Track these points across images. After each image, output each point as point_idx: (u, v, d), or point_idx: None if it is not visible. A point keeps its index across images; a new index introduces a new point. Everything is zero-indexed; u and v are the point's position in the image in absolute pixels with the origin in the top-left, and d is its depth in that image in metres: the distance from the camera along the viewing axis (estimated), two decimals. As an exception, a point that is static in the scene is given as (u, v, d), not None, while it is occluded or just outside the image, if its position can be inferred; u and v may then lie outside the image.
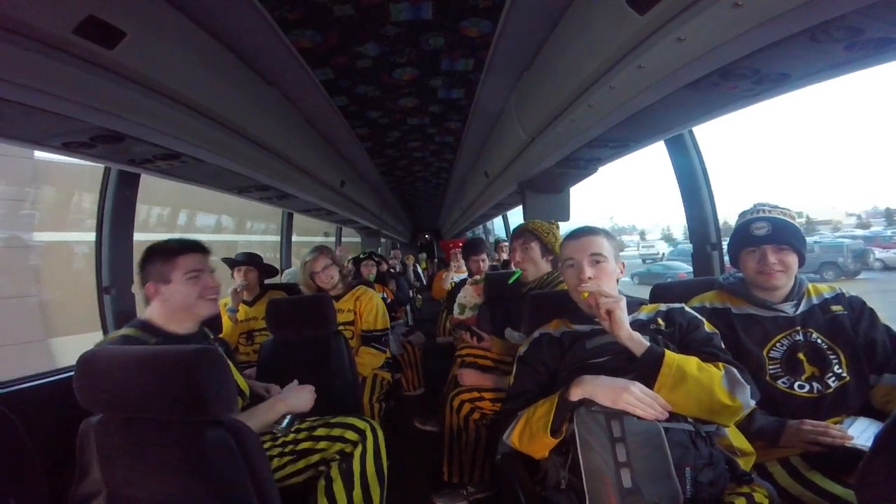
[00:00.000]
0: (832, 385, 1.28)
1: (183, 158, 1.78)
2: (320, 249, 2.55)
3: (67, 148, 1.50)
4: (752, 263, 1.40)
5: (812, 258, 11.30)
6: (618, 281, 1.33)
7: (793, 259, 1.37)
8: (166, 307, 1.39)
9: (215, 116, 1.61)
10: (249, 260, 2.71)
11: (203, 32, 1.47)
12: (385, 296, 3.79)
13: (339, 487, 1.45)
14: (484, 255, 3.36)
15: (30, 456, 1.11)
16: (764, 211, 1.42)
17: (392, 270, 5.62)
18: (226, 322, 2.51)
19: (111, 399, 0.98)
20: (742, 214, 1.47)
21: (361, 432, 1.53)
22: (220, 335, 2.22)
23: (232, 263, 2.70)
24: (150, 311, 1.42)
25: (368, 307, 2.51)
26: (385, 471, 1.58)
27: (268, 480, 1.00)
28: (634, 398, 1.04)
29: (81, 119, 1.26)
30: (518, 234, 2.20)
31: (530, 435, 1.17)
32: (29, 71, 1.00)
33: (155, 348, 1.00)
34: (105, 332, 2.14)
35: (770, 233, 1.36)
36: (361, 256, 4.31)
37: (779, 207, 1.42)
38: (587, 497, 0.97)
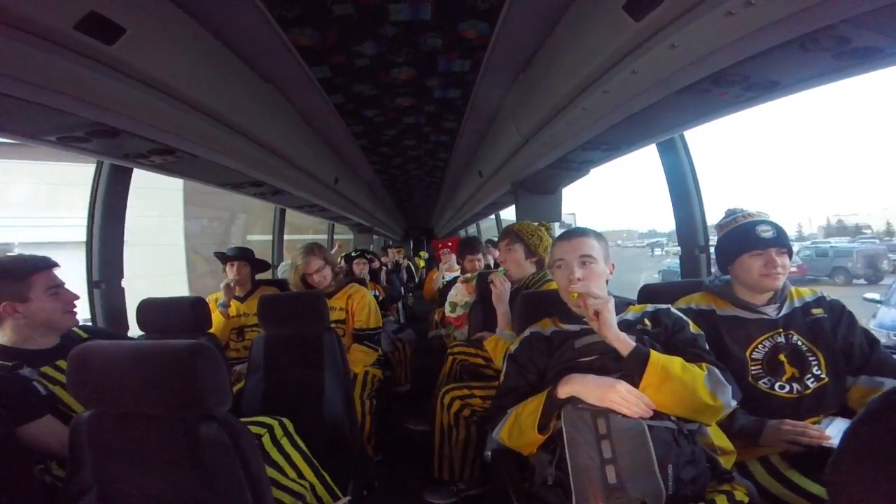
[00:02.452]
0: (811, 386, 1.31)
1: (177, 154, 1.78)
2: (312, 250, 2.50)
3: (62, 142, 1.49)
4: (758, 266, 1.40)
5: (826, 262, 11.73)
6: (607, 282, 1.36)
7: (788, 261, 1.42)
8: (23, 325, 1.36)
9: (211, 112, 1.61)
10: (242, 254, 2.70)
11: (202, 29, 1.47)
12: (377, 293, 3.79)
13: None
14: (480, 255, 3.35)
15: (20, 452, 1.10)
16: (747, 216, 1.45)
17: (385, 268, 5.62)
18: (216, 318, 2.49)
19: (104, 394, 0.98)
20: (729, 219, 1.50)
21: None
22: (210, 330, 2.21)
23: (224, 258, 2.69)
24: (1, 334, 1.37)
25: (361, 305, 2.50)
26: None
27: (261, 475, 1.01)
28: (620, 396, 1.06)
29: (77, 114, 1.26)
30: (503, 235, 2.23)
31: (519, 431, 1.19)
32: (29, 66, 1.00)
33: (148, 343, 1.00)
34: (94, 325, 2.13)
35: (776, 236, 1.40)
36: (354, 255, 4.30)
37: (759, 213, 1.46)
38: (573, 493, 1.00)
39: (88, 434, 0.99)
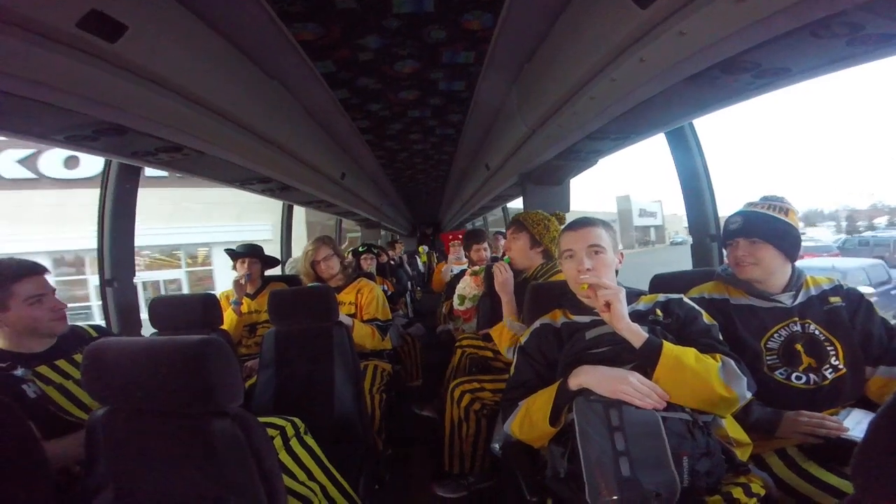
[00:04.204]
0: (829, 377, 1.29)
1: (185, 151, 1.79)
2: (322, 239, 2.56)
3: (71, 142, 1.50)
4: (731, 256, 1.45)
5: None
6: (617, 272, 1.34)
7: (766, 252, 1.37)
8: (11, 332, 1.35)
9: (217, 109, 1.62)
10: (252, 251, 2.71)
11: (204, 25, 1.46)
12: (386, 288, 3.80)
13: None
14: (486, 245, 3.36)
15: (38, 448, 1.11)
16: (758, 205, 1.42)
17: (392, 262, 5.63)
18: (229, 315, 2.51)
19: (119, 391, 0.99)
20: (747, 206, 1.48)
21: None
22: (222, 327, 2.23)
23: (235, 255, 2.70)
24: None
25: (369, 299, 2.51)
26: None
27: (274, 471, 1.01)
28: (632, 388, 1.05)
29: (84, 112, 1.26)
30: (510, 224, 2.22)
31: (530, 424, 1.19)
32: (33, 65, 1.01)
33: (160, 339, 1.01)
34: (108, 323, 2.16)
35: (740, 227, 1.40)
36: (361, 249, 4.31)
37: (779, 201, 1.42)
38: (586, 486, 0.99)
39: (104, 431, 1.00)
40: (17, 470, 1.00)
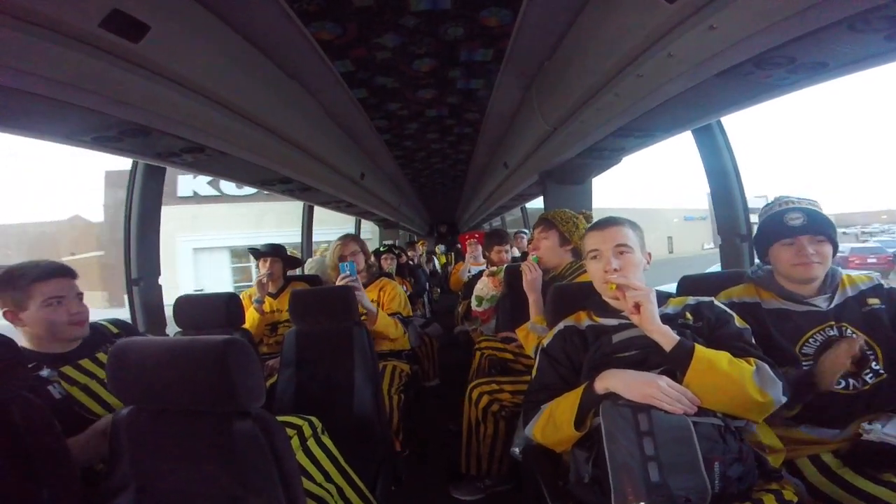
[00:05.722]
0: (869, 381, 1.23)
1: (207, 151, 1.81)
2: (349, 236, 2.60)
3: (97, 143, 1.53)
4: (788, 255, 1.33)
5: None
6: (644, 272, 1.30)
7: (828, 250, 1.32)
8: (33, 332, 1.35)
9: (238, 109, 1.63)
10: (275, 251, 2.73)
11: (224, 25, 1.48)
12: (405, 288, 3.81)
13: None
14: (508, 246, 3.31)
15: (63, 447, 1.13)
16: (792, 202, 1.36)
17: (411, 263, 5.65)
18: (251, 314, 2.54)
19: (142, 390, 1.00)
20: (768, 206, 1.42)
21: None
22: (245, 327, 2.25)
23: (257, 254, 2.73)
24: (22, 336, 1.34)
25: (391, 296, 2.53)
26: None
27: (293, 471, 1.00)
28: (662, 392, 1.02)
29: (110, 113, 1.29)
30: (538, 223, 2.18)
31: (554, 428, 1.16)
32: (59, 66, 1.02)
33: (184, 339, 1.01)
34: (134, 321, 2.20)
35: (806, 223, 1.31)
36: (381, 249, 4.33)
37: (805, 199, 1.36)
38: (613, 491, 0.96)
39: (127, 430, 1.01)
40: (44, 468, 1.01)
